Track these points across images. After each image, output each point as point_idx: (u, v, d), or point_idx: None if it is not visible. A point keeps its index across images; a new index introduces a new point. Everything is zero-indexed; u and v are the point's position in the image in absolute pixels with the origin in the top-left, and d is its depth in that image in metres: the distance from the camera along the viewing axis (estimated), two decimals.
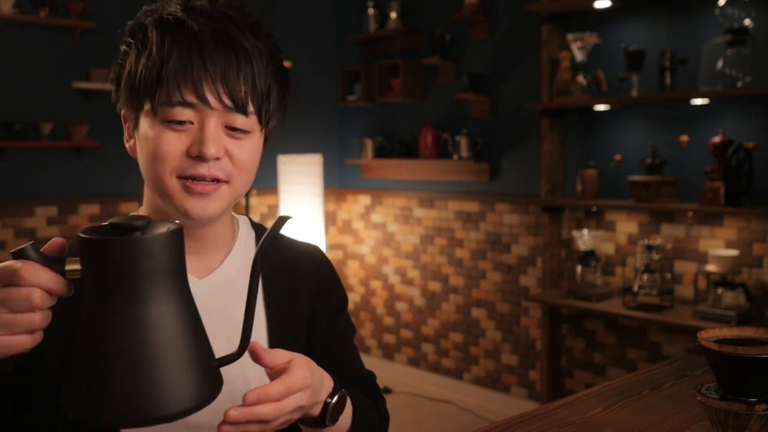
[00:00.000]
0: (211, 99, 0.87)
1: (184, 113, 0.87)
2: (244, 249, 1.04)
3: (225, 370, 0.77)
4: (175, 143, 0.88)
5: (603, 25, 3.42)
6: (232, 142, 0.91)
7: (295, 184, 4.23)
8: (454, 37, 4.13)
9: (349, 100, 4.67)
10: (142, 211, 0.99)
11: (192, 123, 0.88)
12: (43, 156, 3.85)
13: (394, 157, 4.47)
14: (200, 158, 0.88)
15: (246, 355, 0.96)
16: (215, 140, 0.88)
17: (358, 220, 4.88)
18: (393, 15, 4.38)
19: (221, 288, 0.99)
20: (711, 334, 1.07)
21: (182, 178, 0.89)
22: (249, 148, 0.93)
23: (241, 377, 0.97)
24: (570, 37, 3.36)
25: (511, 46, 3.88)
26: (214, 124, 0.89)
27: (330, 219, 4.95)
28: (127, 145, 0.97)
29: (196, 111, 0.88)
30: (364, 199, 4.82)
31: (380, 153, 4.56)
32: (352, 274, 4.95)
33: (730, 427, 1.00)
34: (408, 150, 4.45)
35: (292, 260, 1.08)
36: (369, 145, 4.57)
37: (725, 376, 1.02)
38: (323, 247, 4.34)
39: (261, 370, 1.00)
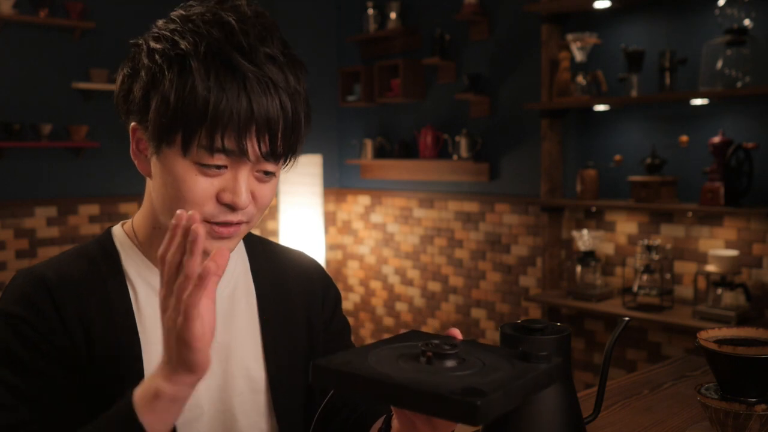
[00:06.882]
0: (251, 150, 0.86)
1: (221, 159, 0.86)
2: (236, 254, 1.05)
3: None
4: (207, 189, 0.86)
5: (603, 25, 3.42)
6: (257, 184, 0.90)
7: (295, 185, 4.23)
8: (454, 37, 4.13)
9: (348, 101, 4.66)
10: (141, 220, 0.97)
11: (226, 167, 0.87)
12: (43, 156, 3.85)
13: (393, 158, 4.47)
14: (231, 207, 0.88)
15: (242, 349, 1.00)
16: (247, 189, 0.88)
17: (357, 221, 4.88)
18: (393, 15, 4.38)
19: (222, 303, 1.00)
20: (711, 334, 1.07)
21: (209, 221, 0.88)
22: (271, 187, 0.92)
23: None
24: (570, 37, 3.36)
25: (511, 46, 3.88)
26: (247, 172, 0.88)
27: (330, 219, 4.95)
28: (135, 161, 0.94)
29: (231, 157, 0.86)
30: (364, 200, 4.82)
31: (380, 153, 4.56)
32: (351, 275, 4.95)
33: (730, 427, 1.00)
34: (408, 150, 4.45)
35: (283, 270, 1.10)
36: (369, 145, 4.57)
37: (725, 376, 1.02)
38: (323, 248, 4.35)
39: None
